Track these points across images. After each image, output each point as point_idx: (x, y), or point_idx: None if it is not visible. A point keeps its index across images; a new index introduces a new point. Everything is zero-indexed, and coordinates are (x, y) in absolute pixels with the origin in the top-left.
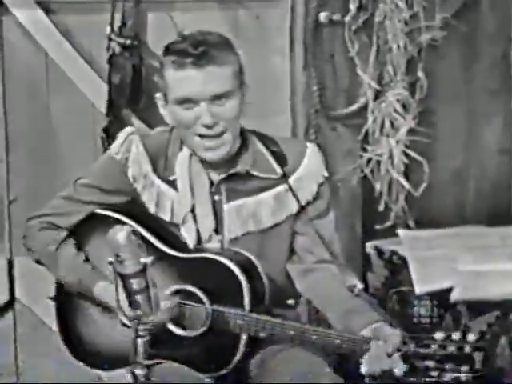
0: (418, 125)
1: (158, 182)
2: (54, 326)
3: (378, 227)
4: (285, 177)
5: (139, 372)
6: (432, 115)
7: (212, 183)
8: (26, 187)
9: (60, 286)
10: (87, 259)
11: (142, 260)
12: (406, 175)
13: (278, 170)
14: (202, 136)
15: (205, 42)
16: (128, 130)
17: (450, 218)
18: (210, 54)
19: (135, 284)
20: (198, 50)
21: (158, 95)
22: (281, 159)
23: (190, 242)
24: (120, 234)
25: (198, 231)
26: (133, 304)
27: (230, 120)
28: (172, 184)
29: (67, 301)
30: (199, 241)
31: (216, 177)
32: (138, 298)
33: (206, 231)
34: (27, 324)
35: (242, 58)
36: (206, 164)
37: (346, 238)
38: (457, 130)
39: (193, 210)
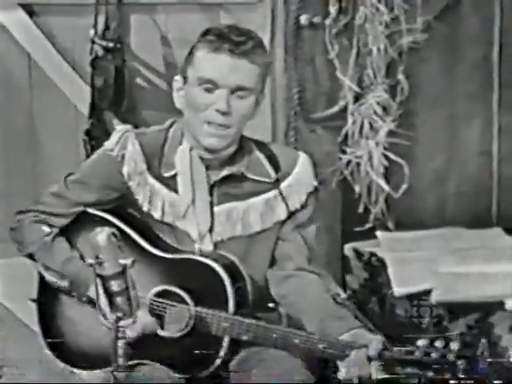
0: (398, 127)
1: (151, 180)
2: (36, 328)
3: (357, 229)
4: (277, 182)
5: (120, 373)
6: (412, 117)
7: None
8: (6, 188)
9: (42, 288)
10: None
11: (122, 262)
12: (386, 177)
13: (272, 174)
14: (209, 123)
15: (248, 34)
16: (124, 127)
17: (430, 219)
18: (248, 46)
19: (115, 285)
20: (240, 38)
21: (177, 77)
22: (274, 164)
23: (194, 235)
24: (100, 235)
25: (198, 226)
26: (113, 305)
27: (240, 117)
28: (166, 182)
29: (49, 302)
30: (200, 236)
31: (212, 178)
32: (118, 299)
33: (202, 228)
34: (9, 326)
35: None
36: (204, 163)
37: (325, 240)
38: (437, 132)
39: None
